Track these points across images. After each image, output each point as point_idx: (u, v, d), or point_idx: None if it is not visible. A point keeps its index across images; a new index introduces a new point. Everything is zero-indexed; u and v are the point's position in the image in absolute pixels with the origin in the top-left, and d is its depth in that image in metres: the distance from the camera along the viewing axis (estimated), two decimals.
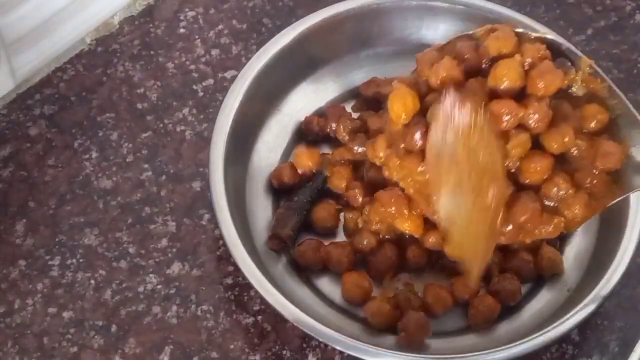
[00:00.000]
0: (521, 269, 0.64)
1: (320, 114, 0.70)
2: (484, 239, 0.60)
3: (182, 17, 0.76)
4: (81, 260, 0.65)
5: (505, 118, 0.59)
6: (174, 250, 0.66)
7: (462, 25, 0.70)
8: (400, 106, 0.61)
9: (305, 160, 0.67)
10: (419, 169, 0.61)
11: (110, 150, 0.70)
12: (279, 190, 0.67)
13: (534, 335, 0.59)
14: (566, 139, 0.60)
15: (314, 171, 0.67)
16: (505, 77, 0.60)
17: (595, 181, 0.60)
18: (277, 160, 0.68)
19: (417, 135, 0.60)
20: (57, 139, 0.70)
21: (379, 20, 0.70)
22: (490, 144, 0.59)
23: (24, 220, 0.67)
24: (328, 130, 0.68)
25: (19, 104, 0.71)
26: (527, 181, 0.60)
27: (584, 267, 0.64)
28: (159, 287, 0.65)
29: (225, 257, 0.65)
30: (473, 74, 0.61)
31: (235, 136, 0.65)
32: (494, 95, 0.60)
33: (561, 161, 0.61)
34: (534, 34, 0.63)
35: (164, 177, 0.69)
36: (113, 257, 0.66)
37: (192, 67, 0.74)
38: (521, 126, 0.60)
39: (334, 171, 0.67)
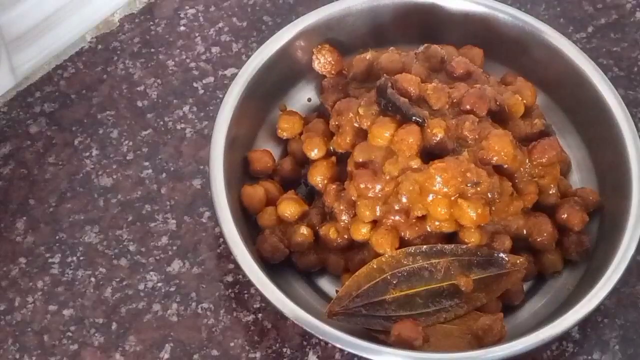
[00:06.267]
0: None
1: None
2: None
3: (182, 15, 0.76)
4: (81, 258, 0.65)
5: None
6: (174, 248, 0.66)
7: (463, 26, 0.70)
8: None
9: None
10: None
11: (110, 148, 0.70)
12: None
13: (535, 333, 0.59)
14: None
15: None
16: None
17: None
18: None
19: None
20: (57, 136, 0.70)
21: (380, 18, 0.70)
22: None
23: (24, 218, 0.67)
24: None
25: (19, 102, 0.71)
26: None
27: (585, 265, 0.64)
28: (159, 284, 0.65)
29: (226, 255, 0.65)
30: None
31: (236, 134, 0.65)
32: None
33: None
34: None
35: (164, 174, 0.69)
36: (113, 255, 0.66)
37: (193, 64, 0.74)
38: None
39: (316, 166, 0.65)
